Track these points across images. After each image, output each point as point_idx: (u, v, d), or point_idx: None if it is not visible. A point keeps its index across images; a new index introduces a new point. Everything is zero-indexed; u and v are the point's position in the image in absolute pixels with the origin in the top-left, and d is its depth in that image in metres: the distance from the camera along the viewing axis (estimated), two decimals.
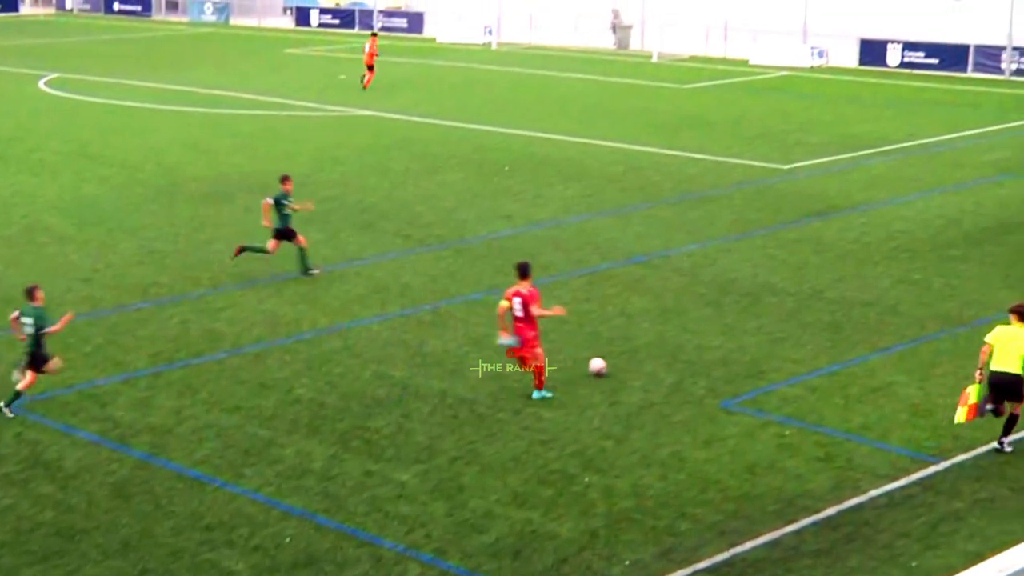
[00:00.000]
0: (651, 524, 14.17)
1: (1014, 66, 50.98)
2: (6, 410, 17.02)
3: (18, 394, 17.09)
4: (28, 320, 17.02)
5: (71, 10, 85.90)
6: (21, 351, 17.33)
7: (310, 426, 16.80)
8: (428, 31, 69.54)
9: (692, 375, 18.48)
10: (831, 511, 14.45)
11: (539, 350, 17.56)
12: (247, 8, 79.61)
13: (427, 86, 49.45)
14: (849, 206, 28.69)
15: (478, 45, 64.95)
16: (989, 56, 51.82)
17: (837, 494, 14.82)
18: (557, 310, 18.13)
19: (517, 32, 67.67)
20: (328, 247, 25.49)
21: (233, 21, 78.73)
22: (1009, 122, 40.22)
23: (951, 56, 52.67)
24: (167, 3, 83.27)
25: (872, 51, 54.83)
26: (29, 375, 17.06)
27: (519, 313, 17.46)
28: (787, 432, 16.49)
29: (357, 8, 73.82)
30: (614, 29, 65.35)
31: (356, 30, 71.78)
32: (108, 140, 37.14)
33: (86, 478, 15.34)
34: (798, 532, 14.00)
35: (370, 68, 47.68)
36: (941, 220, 27.45)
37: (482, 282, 23.09)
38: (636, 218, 27.83)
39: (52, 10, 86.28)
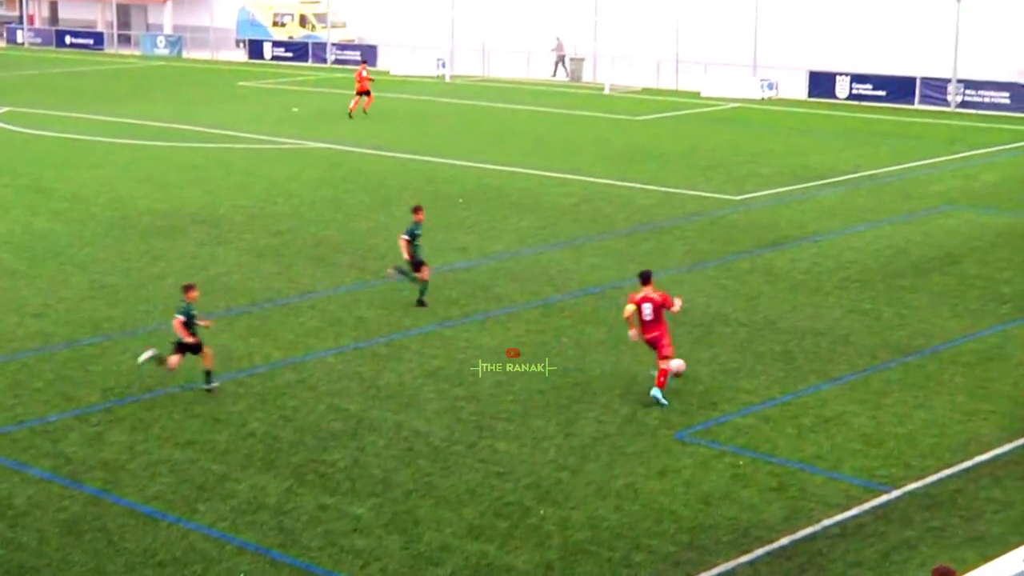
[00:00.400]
0: (607, 556, 14.17)
1: (959, 98, 51.69)
2: (212, 385, 19.11)
3: (208, 372, 19.20)
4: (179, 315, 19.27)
5: (22, 44, 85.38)
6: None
7: (264, 460, 16.69)
8: (382, 64, 69.64)
9: (646, 406, 18.51)
10: (784, 541, 14.50)
11: (671, 348, 18.63)
12: (200, 41, 79.47)
13: (381, 118, 49.47)
14: (800, 236, 28.93)
15: (432, 78, 65.14)
16: (935, 88, 52.52)
17: (790, 524, 14.88)
18: (679, 302, 19.13)
19: (470, 65, 67.93)
20: (282, 280, 25.39)
21: (186, 54, 78.57)
22: (954, 153, 40.74)
23: (898, 88, 53.35)
24: (119, 36, 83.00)
25: (821, 83, 55.43)
26: (174, 359, 19.18)
27: (648, 317, 18.57)
28: (741, 462, 16.55)
29: (310, 41, 73.86)
30: (560, 60, 65.84)
31: (309, 63, 71.80)
32: (60, 174, 36.88)
33: (37, 515, 15.15)
34: (752, 563, 14.04)
35: (366, 93, 48.89)
36: (890, 250, 27.73)
37: (436, 314, 23.07)
38: (589, 249, 27.92)
39: (2, 43, 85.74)
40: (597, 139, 44.13)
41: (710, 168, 38.09)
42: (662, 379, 18.59)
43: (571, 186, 35.14)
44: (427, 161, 39.24)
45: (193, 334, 19.16)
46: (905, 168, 38.01)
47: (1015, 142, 43.09)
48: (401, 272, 23.68)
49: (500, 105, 53.94)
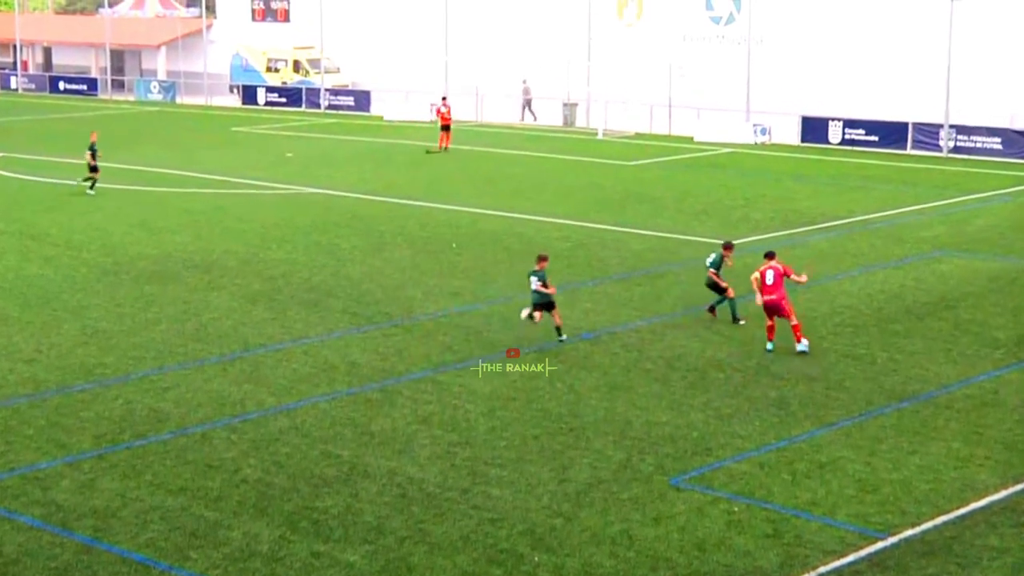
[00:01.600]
0: None
1: (951, 143, 51.99)
2: (563, 339, 23.77)
3: (559, 328, 23.93)
4: (534, 279, 23.80)
5: (16, 89, 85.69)
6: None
7: (257, 507, 16.63)
8: (375, 109, 70.06)
9: (641, 452, 18.50)
10: None
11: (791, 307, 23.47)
12: (194, 87, 79.86)
13: (374, 163, 49.67)
14: (794, 282, 28.94)
15: (425, 123, 65.40)
16: (927, 134, 52.84)
17: (786, 571, 14.83)
18: (805, 277, 24.46)
19: (464, 110, 68.24)
20: (275, 325, 25.39)
21: (180, 100, 78.94)
22: (946, 199, 40.92)
23: (891, 134, 53.68)
24: (113, 82, 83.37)
25: (814, 128, 55.76)
26: (538, 314, 23.96)
27: (770, 282, 23.37)
28: (736, 509, 16.52)
29: (304, 86, 74.23)
30: (526, 104, 66.27)
31: (303, 108, 72.13)
32: (53, 219, 36.93)
33: (27, 563, 15.06)
34: None
35: (446, 128, 51.81)
36: (883, 295, 27.79)
37: (430, 359, 23.07)
38: (584, 294, 27.96)
39: None
40: (591, 184, 44.29)
41: (703, 213, 38.22)
42: (799, 334, 23.31)
43: (565, 230, 35.24)
44: (421, 206, 39.34)
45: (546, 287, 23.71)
46: (897, 213, 38.15)
47: (1007, 187, 43.31)
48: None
49: (494, 150, 54.14)
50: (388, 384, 21.70)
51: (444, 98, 56.08)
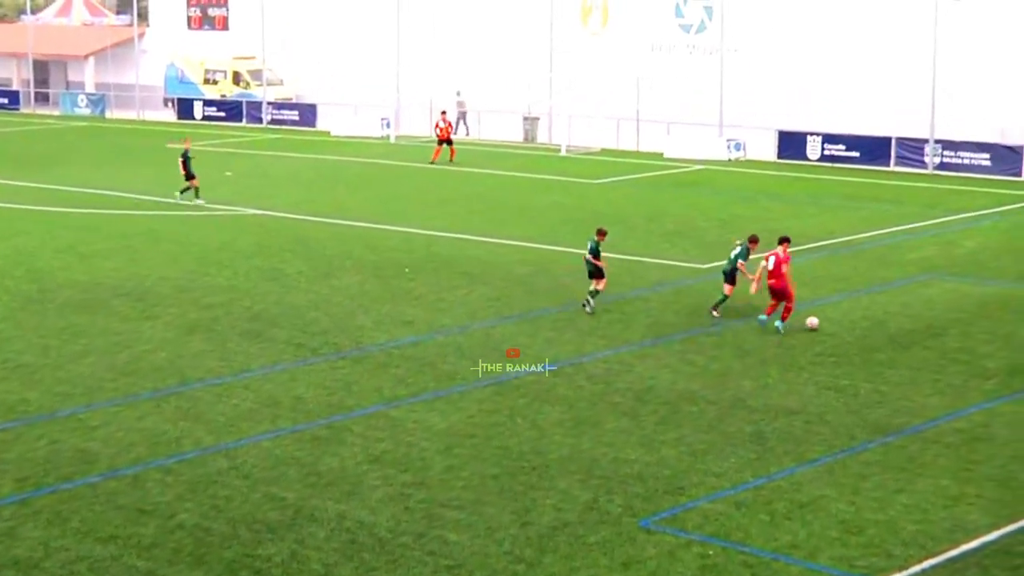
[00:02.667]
0: None
1: (937, 160, 52.48)
2: (590, 304, 28.21)
3: (596, 292, 28.37)
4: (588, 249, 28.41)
5: None
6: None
7: (194, 555, 16.51)
8: (322, 124, 70.03)
9: (608, 492, 18.51)
10: None
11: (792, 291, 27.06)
12: (125, 100, 79.60)
13: (321, 183, 49.62)
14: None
15: (375, 139, 65.46)
16: (911, 149, 53.31)
17: None
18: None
19: (417, 124, 68.34)
20: (213, 358, 25.27)
21: (109, 114, 78.65)
22: (933, 218, 41.30)
23: (873, 149, 54.12)
24: (37, 95, 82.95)
25: (791, 144, 56.17)
26: (594, 282, 28.34)
27: (771, 267, 26.84)
28: (711, 552, 16.55)
29: (244, 100, 74.11)
30: (461, 117, 66.59)
31: (244, 123, 72.00)
32: None
33: None
34: None
35: (449, 143, 54.87)
36: (867, 322, 27.98)
37: (382, 393, 23.02)
38: (546, 322, 28.00)
39: None
40: (554, 204, 44.42)
41: (675, 234, 38.39)
42: (786, 316, 26.67)
43: (526, 254, 35.30)
44: (371, 228, 39.31)
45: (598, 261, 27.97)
46: (882, 234, 38.46)
47: (997, 206, 43.75)
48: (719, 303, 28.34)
49: (448, 168, 54.22)
50: (336, 420, 21.63)
51: (444, 112, 57.46)
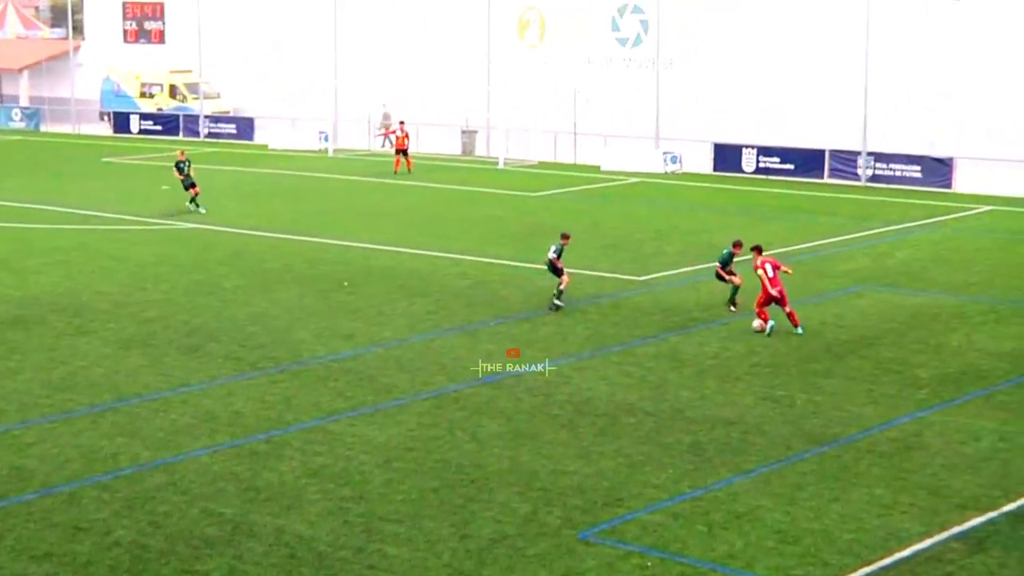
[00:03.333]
0: None
1: (870, 172, 53.04)
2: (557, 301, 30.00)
3: (560, 291, 30.04)
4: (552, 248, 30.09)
5: None
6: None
7: (131, 572, 16.36)
8: (259, 137, 69.73)
9: (547, 504, 18.54)
10: None
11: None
12: (60, 114, 78.85)
13: (258, 196, 49.37)
14: (708, 319, 29.32)
15: (313, 152, 65.29)
16: (844, 161, 53.85)
17: None
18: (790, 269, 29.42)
19: (354, 138, 68.20)
20: (151, 373, 25.07)
21: (44, 128, 77.87)
22: (866, 230, 41.72)
23: (807, 162, 54.61)
24: None
25: (726, 157, 56.58)
26: (560, 280, 30.00)
27: (772, 275, 27.64)
28: (649, 563, 16.61)
29: (181, 113, 73.65)
30: (386, 131, 66.77)
31: (180, 136, 71.55)
32: None
33: None
34: None
35: (404, 153, 55.96)
36: (803, 333, 28.19)
37: (321, 407, 22.92)
38: (485, 335, 28.01)
39: None
40: (492, 216, 44.47)
41: (612, 247, 38.53)
42: (793, 320, 27.87)
43: (464, 267, 35.30)
44: (308, 241, 39.16)
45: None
46: (816, 245, 38.80)
47: (927, 218, 44.28)
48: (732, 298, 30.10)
49: (387, 181, 54.14)
50: (275, 435, 21.52)
51: (401, 123, 57.89)
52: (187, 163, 45.64)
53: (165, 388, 24.11)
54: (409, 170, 55.92)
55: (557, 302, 30.09)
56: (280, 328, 28.54)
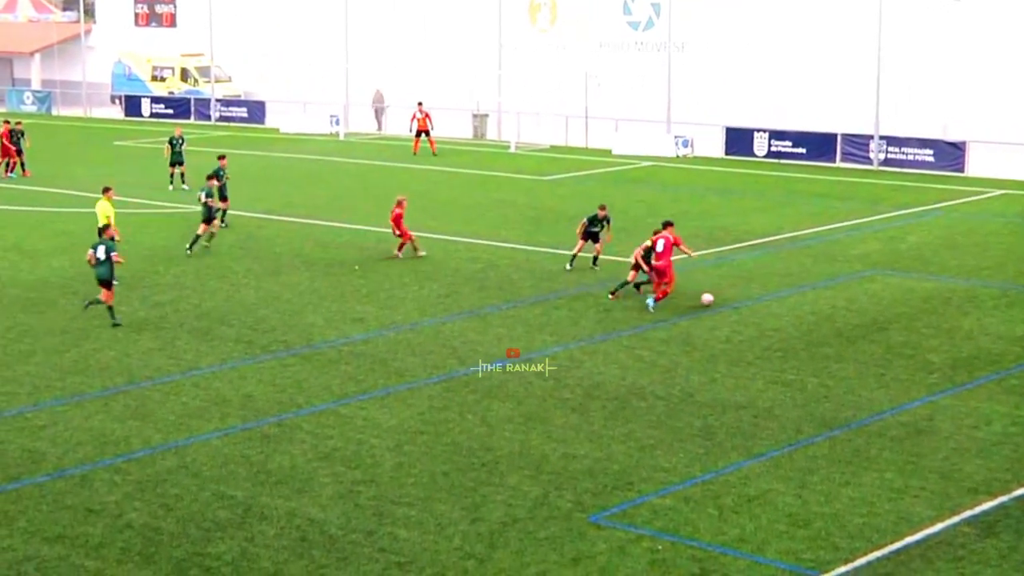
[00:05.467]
0: None
1: (882, 156, 52.89)
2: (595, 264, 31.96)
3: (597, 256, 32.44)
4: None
5: None
6: None
7: (143, 554, 16.41)
8: (270, 121, 69.66)
9: (558, 487, 18.55)
10: None
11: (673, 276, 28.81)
12: (72, 98, 78.89)
13: (269, 180, 49.37)
14: (719, 303, 29.28)
15: (324, 135, 65.23)
16: (857, 145, 53.69)
17: None
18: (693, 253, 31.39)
19: (366, 122, 68.16)
20: (162, 356, 25.11)
21: (56, 111, 77.89)
22: (878, 214, 41.62)
23: (819, 145, 54.47)
24: None
25: (738, 140, 56.42)
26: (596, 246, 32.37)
27: (660, 250, 28.44)
28: (660, 546, 16.63)
29: (192, 97, 73.62)
30: (376, 113, 66.74)
31: (192, 120, 71.52)
32: None
33: None
34: None
35: (427, 134, 56.48)
36: (814, 317, 28.18)
37: (332, 390, 22.96)
38: (496, 319, 28.01)
39: None
40: (503, 201, 44.44)
41: (623, 231, 38.41)
42: (660, 297, 28.41)
43: (476, 251, 35.29)
44: (320, 225, 39.18)
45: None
46: (827, 229, 38.72)
47: (940, 202, 44.16)
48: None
49: (398, 165, 54.12)
50: (286, 418, 21.56)
51: (420, 104, 57.75)
52: (181, 140, 47.11)
53: (176, 371, 24.15)
54: (433, 152, 56.23)
55: (595, 264, 32.41)
56: (291, 312, 28.57)
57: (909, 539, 16.89)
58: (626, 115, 61.15)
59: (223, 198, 40.98)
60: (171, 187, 46.51)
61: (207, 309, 28.79)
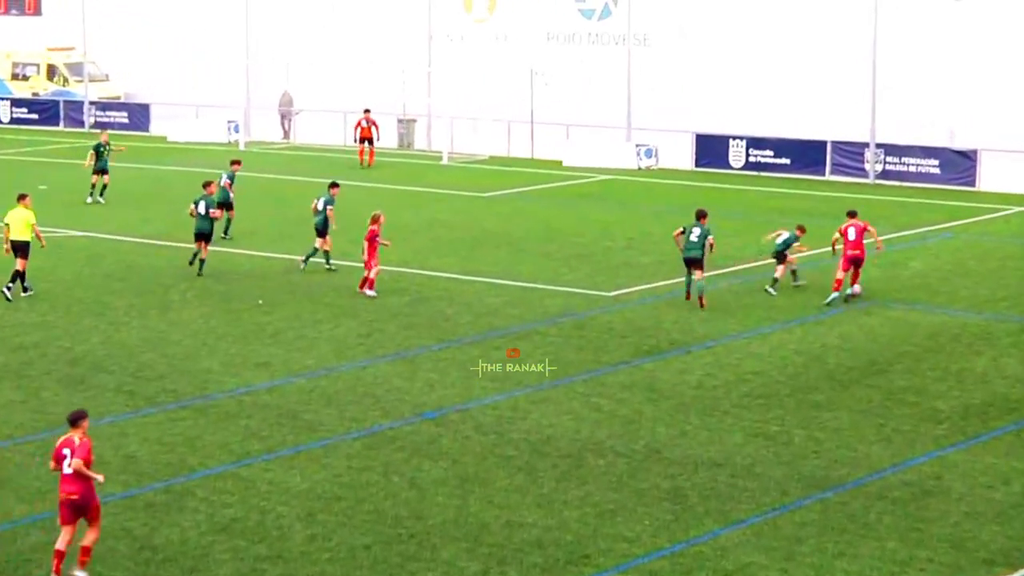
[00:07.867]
0: None
1: (879, 167, 53.33)
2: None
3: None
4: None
5: None
6: None
7: None
8: (156, 128, 69.42)
9: (501, 562, 18.56)
10: None
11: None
12: None
13: (155, 199, 49.17)
14: (690, 342, 29.44)
15: (221, 145, 65.04)
16: (850, 155, 54.08)
17: None
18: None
19: (270, 129, 68.04)
20: (25, 410, 24.92)
21: None
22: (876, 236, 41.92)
23: (805, 155, 54.79)
24: None
25: (711, 149, 56.74)
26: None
27: (852, 238, 32.81)
28: None
29: (62, 99, 73.25)
30: (285, 118, 66.88)
31: (61, 127, 71.15)
32: None
33: None
34: None
35: (370, 141, 57.72)
36: (801, 358, 28.37)
37: (231, 449, 22.87)
38: (426, 362, 28.02)
39: None
40: (434, 221, 44.49)
41: (576, 257, 38.62)
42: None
43: (402, 281, 35.31)
44: (215, 252, 39.04)
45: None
46: (816, 254, 38.98)
47: (947, 221, 44.60)
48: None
49: (309, 179, 54.01)
50: (176, 483, 21.44)
51: (367, 111, 58.35)
52: (107, 147, 48.36)
53: (42, 428, 23.97)
54: (370, 164, 57.43)
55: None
56: (182, 355, 28.45)
57: None
58: (579, 120, 61.40)
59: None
60: (89, 199, 47.55)
61: (80, 354, 28.62)
